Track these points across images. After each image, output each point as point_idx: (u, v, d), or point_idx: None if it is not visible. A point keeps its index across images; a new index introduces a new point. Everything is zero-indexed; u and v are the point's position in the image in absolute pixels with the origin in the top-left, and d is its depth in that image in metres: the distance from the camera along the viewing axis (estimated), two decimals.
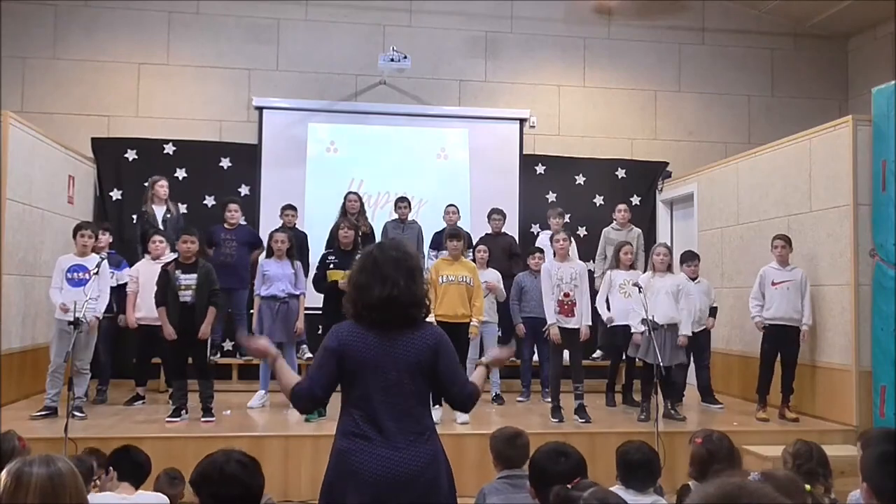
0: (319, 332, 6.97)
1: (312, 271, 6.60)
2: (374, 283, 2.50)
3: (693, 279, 6.65)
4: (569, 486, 2.35)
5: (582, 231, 8.65)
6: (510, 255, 7.55)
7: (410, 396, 2.46)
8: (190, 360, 5.84)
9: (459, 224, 7.57)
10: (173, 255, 6.42)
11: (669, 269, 6.31)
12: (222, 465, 2.36)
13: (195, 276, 5.71)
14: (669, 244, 8.40)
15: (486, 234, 7.68)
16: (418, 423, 2.47)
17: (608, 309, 6.56)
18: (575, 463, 2.78)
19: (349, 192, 7.59)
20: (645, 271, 6.58)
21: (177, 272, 5.71)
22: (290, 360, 6.51)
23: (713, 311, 6.84)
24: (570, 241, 6.31)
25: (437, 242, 7.51)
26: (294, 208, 7.58)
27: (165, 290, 5.72)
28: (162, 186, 7.17)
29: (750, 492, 1.40)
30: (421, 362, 2.49)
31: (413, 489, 2.37)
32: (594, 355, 7.63)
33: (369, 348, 2.46)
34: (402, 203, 7.71)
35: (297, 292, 6.44)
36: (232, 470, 2.34)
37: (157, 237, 6.51)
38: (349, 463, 2.40)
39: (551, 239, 6.45)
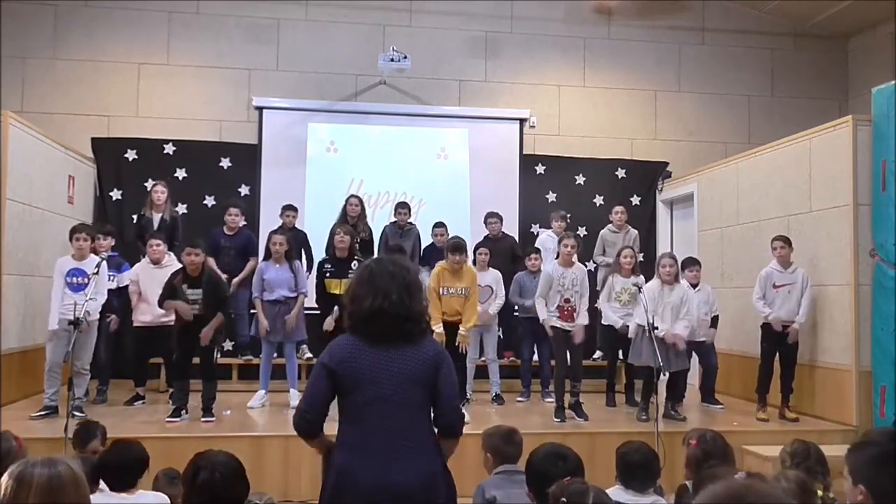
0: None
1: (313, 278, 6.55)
2: (367, 294, 2.49)
3: (694, 285, 6.64)
4: (565, 480, 2.35)
5: (582, 231, 8.64)
6: (513, 257, 7.53)
7: (407, 410, 2.42)
8: (196, 360, 5.84)
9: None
10: (170, 256, 6.42)
11: (676, 279, 6.28)
12: (199, 473, 2.40)
13: (201, 291, 5.70)
14: (669, 245, 8.44)
15: (486, 237, 7.65)
16: (416, 436, 2.42)
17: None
18: (573, 465, 2.79)
19: (350, 196, 7.48)
20: (644, 277, 6.56)
21: (184, 286, 5.70)
22: (289, 360, 6.51)
23: (714, 322, 6.79)
24: (579, 247, 6.29)
25: (427, 259, 7.33)
26: (294, 209, 7.56)
27: (168, 294, 5.72)
28: (156, 192, 7.04)
29: (757, 491, 1.41)
30: (419, 374, 2.45)
31: (412, 501, 2.34)
32: (594, 356, 7.64)
33: (364, 361, 2.44)
34: (402, 209, 7.65)
35: (294, 294, 6.39)
36: (208, 479, 2.38)
37: (154, 241, 6.45)
38: (344, 475, 2.38)
39: (560, 242, 6.42)
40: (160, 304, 5.79)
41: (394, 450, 2.37)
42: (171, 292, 5.72)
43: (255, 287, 6.44)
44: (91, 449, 3.78)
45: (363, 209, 7.46)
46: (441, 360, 2.52)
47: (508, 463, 3.16)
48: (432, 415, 2.54)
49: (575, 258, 6.18)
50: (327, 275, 6.17)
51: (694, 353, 6.63)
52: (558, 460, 2.82)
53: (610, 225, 7.76)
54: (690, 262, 6.81)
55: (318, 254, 7.41)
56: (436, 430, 2.53)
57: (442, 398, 2.49)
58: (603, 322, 6.73)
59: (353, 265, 6.05)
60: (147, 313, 6.30)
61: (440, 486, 2.44)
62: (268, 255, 6.51)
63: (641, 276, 6.57)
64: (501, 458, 3.19)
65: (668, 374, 6.10)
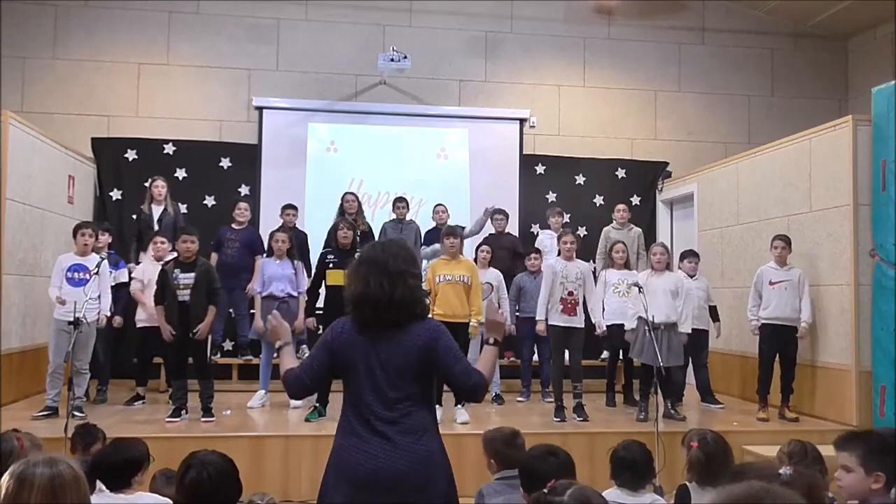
0: (320, 332, 6.94)
1: (314, 271, 6.57)
2: (352, 280, 2.55)
3: (691, 276, 6.67)
4: (545, 490, 2.29)
5: (582, 231, 8.64)
6: (513, 254, 7.56)
7: (399, 398, 2.44)
8: (190, 361, 5.84)
9: (460, 225, 7.55)
10: (173, 255, 6.43)
11: (668, 267, 6.32)
12: (188, 472, 2.41)
13: (193, 275, 5.70)
14: (669, 244, 8.43)
15: (490, 234, 7.68)
16: (410, 422, 2.43)
17: (603, 310, 6.56)
18: (564, 461, 2.77)
19: (346, 193, 7.57)
20: (642, 270, 6.58)
21: (175, 271, 5.71)
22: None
23: (713, 312, 6.84)
24: (578, 243, 6.32)
25: (429, 241, 7.48)
26: (294, 207, 7.57)
27: (164, 289, 5.73)
28: (157, 187, 7.18)
29: (775, 494, 1.42)
30: (409, 363, 2.45)
31: (402, 488, 2.35)
32: (602, 356, 7.60)
33: (357, 348, 2.49)
34: (401, 203, 7.70)
35: (296, 293, 6.41)
36: (195, 478, 2.39)
37: (158, 238, 6.51)
38: (341, 460, 2.43)
39: (559, 239, 6.44)
40: (155, 302, 5.79)
41: (388, 435, 2.39)
42: (163, 279, 5.72)
43: (256, 283, 6.45)
44: (94, 452, 3.76)
45: (360, 205, 7.52)
46: (433, 342, 2.47)
47: (511, 468, 3.06)
48: (452, 390, 2.57)
49: (575, 254, 6.20)
50: (330, 265, 6.18)
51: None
52: (549, 456, 2.80)
53: (613, 223, 7.76)
54: (689, 254, 6.87)
55: (316, 256, 7.42)
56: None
57: (450, 374, 2.47)
58: (605, 323, 6.70)
59: (355, 257, 6.05)
60: (144, 311, 6.31)
61: (436, 467, 2.44)
62: (269, 253, 6.54)
63: (634, 271, 6.61)
64: (503, 463, 3.10)
65: (665, 371, 6.08)
